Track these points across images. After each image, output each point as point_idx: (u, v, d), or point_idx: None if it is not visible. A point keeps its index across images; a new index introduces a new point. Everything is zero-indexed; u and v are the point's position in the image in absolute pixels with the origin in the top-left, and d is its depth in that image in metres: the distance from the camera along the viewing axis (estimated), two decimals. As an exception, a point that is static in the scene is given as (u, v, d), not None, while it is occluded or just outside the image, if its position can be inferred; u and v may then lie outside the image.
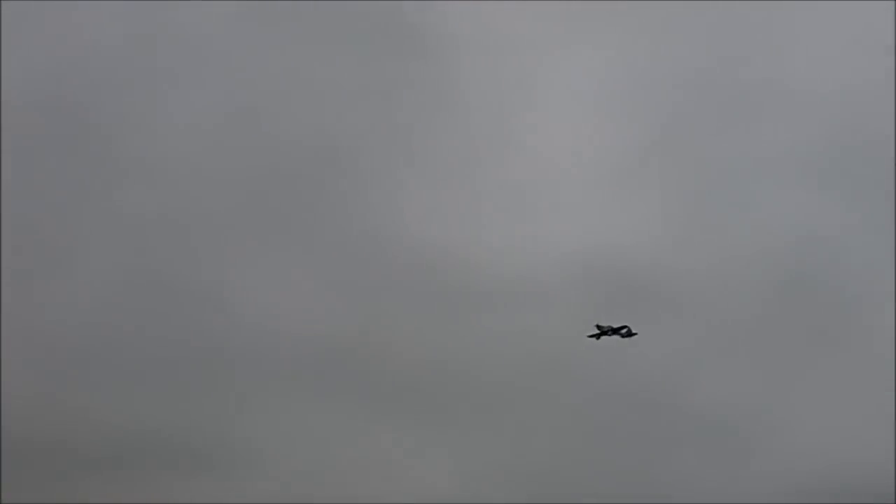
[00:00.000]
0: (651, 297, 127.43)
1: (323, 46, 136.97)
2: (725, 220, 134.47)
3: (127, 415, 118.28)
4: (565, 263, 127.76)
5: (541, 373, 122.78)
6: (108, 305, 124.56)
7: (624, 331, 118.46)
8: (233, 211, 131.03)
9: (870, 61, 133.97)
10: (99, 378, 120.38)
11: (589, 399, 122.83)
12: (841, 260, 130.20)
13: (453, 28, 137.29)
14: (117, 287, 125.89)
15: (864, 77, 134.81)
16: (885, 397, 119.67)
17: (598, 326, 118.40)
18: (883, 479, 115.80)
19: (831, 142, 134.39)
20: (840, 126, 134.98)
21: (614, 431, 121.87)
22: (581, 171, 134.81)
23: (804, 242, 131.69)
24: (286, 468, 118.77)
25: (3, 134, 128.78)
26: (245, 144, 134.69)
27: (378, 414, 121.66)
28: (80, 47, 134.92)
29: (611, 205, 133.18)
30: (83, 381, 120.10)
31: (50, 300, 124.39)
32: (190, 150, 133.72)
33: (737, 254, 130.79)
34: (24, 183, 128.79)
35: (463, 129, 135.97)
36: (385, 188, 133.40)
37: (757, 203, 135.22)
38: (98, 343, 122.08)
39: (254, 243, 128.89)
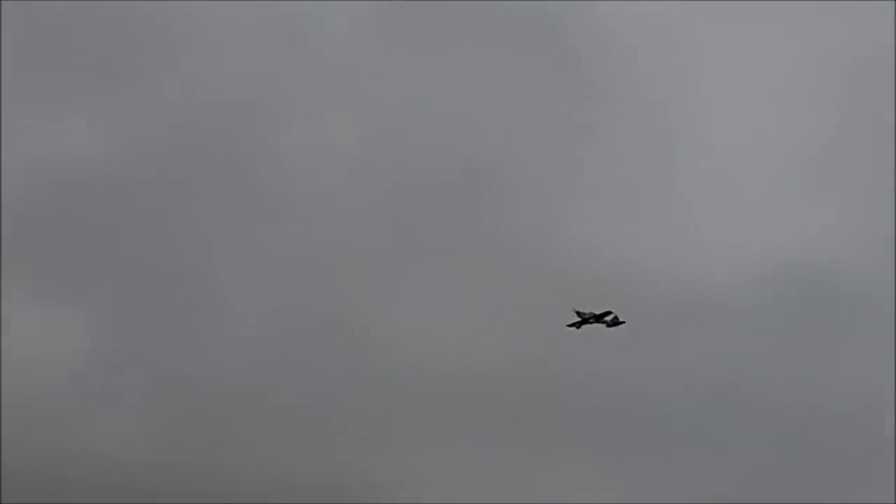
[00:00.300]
0: (849, 307, 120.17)
1: (467, 57, 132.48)
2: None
3: (278, 455, 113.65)
4: (752, 274, 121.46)
5: (732, 396, 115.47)
6: (255, 343, 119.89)
7: (609, 318, 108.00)
8: (381, 239, 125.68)
9: None
10: (248, 419, 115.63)
11: (785, 423, 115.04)
12: None
13: (609, 27, 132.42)
14: (264, 324, 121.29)
15: None
16: None
17: (579, 313, 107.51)
18: None
19: None
20: None
21: (816, 458, 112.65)
22: (761, 171, 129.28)
23: None
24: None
25: (146, 173, 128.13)
26: (390, 169, 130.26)
27: (548, 449, 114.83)
28: (213, 81, 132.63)
29: (798, 206, 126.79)
30: (231, 424, 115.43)
31: (198, 339, 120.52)
32: (332, 178, 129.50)
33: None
34: (165, 223, 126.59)
35: (626, 134, 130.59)
36: (546, 205, 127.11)
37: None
38: (246, 383, 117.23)
39: (405, 272, 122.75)
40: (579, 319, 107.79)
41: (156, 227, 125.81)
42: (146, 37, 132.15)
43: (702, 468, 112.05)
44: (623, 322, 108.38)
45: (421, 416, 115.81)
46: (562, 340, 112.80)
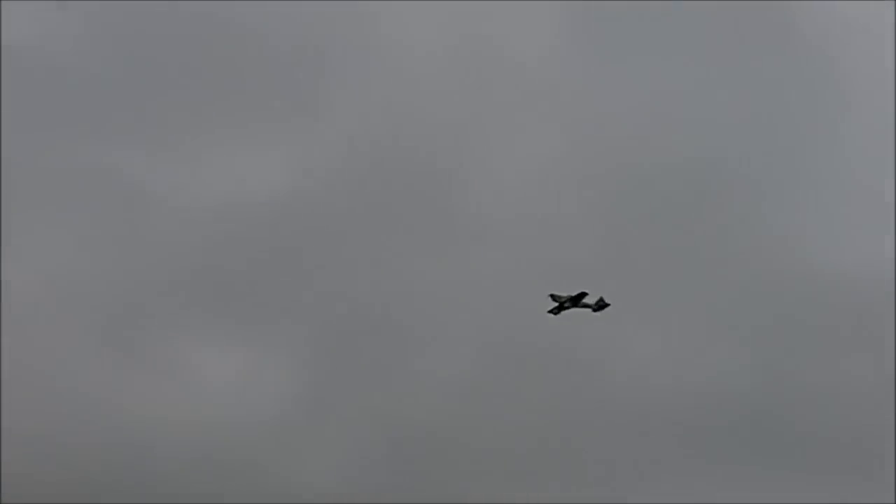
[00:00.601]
0: None
1: (682, 59, 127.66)
2: None
3: (493, 496, 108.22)
4: None
5: None
6: (464, 379, 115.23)
7: (589, 300, 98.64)
8: (594, 260, 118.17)
9: None
10: (459, 459, 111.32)
11: None
12: None
13: (838, 23, 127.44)
14: (473, 358, 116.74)
15: None
16: None
17: (554, 297, 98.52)
18: None
19: None
20: None
21: None
22: None
23: None
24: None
25: (340, 208, 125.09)
26: (601, 183, 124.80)
27: (785, 479, 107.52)
28: (402, 104, 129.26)
29: None
30: (442, 465, 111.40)
31: (404, 378, 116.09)
32: (539, 197, 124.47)
33: None
34: (363, 258, 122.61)
35: (858, 132, 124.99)
36: (779, 210, 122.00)
37: None
38: (457, 422, 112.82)
39: (621, 293, 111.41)
40: (556, 304, 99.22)
41: (353, 263, 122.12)
42: (327, 64, 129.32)
43: None
44: (608, 305, 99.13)
45: (650, 448, 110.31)
46: (807, 353, 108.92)
